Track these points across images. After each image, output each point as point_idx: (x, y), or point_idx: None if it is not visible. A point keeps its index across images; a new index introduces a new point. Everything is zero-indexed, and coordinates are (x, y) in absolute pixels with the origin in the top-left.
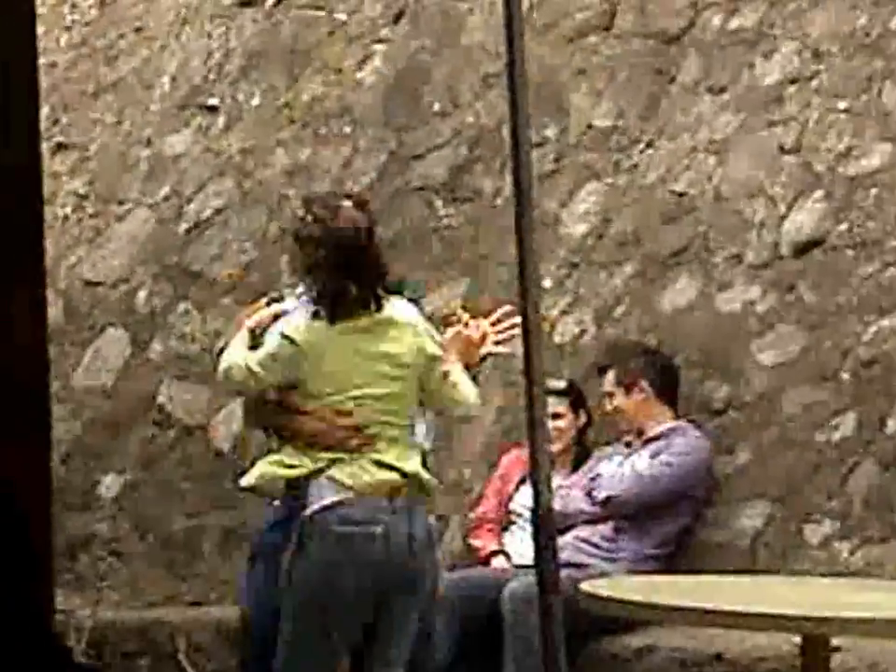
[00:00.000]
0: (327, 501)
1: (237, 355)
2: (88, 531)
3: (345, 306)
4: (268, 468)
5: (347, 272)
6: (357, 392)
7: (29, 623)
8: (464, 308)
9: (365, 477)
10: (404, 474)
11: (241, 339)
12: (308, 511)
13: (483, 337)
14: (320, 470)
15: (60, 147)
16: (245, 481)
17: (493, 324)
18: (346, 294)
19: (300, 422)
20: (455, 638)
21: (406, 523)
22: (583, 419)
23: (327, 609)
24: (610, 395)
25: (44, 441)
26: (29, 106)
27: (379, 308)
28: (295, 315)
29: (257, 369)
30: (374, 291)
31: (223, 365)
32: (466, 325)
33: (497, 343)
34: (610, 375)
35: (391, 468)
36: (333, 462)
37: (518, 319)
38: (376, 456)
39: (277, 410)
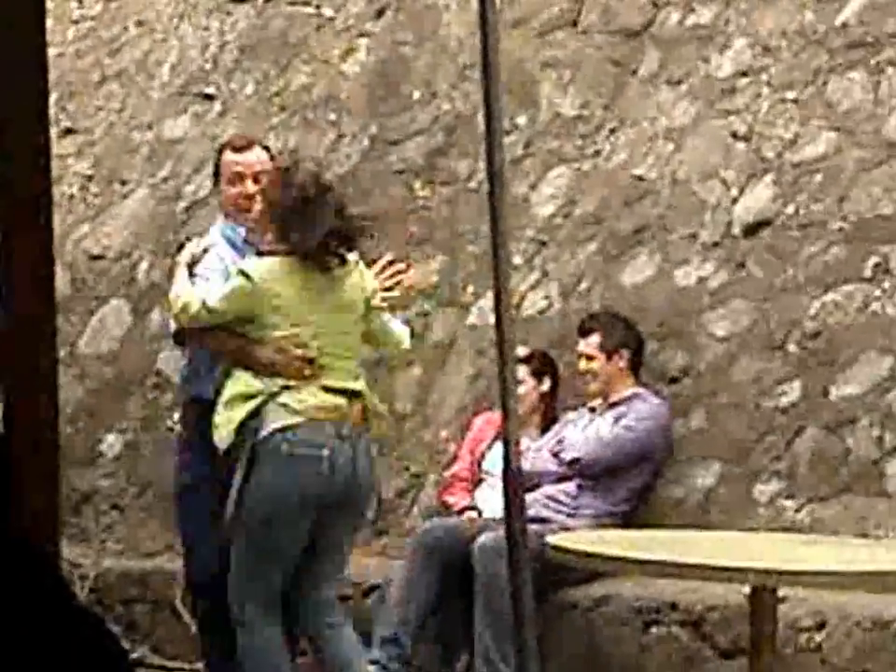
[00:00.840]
0: (277, 425)
1: (190, 291)
2: (91, 487)
3: (316, 251)
4: (234, 412)
5: (318, 221)
6: (310, 326)
7: (37, 571)
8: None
9: (312, 401)
10: (351, 394)
11: (183, 277)
12: (261, 435)
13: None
14: (273, 396)
15: (67, 131)
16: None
17: (379, 274)
18: (320, 241)
19: (257, 350)
20: (432, 586)
21: (350, 447)
22: (546, 386)
23: (275, 526)
24: (590, 357)
25: (52, 404)
26: (38, 95)
27: (342, 256)
28: (220, 248)
29: (214, 304)
30: (339, 240)
31: (179, 301)
32: None
33: (386, 289)
34: (594, 339)
35: (338, 391)
36: (285, 388)
37: (401, 267)
38: (325, 382)
39: (232, 336)
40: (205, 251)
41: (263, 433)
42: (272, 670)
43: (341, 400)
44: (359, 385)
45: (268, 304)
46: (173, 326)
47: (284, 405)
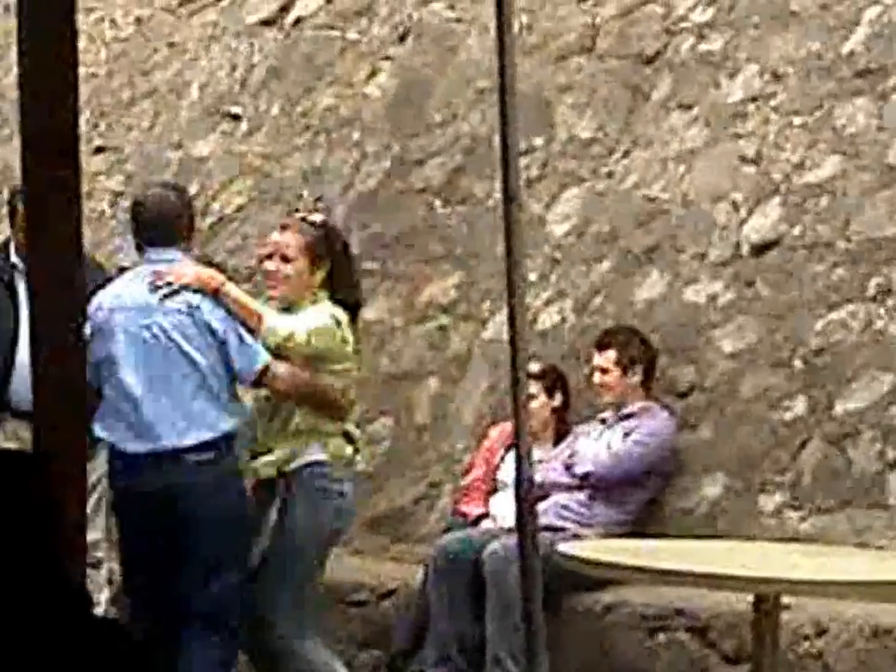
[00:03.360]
0: (309, 459)
1: (289, 320)
2: None
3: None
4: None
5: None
6: (351, 372)
7: (55, 580)
8: None
9: (345, 449)
10: (355, 446)
11: (272, 310)
12: (291, 467)
13: None
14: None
15: (99, 149)
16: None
17: None
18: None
19: (329, 390)
20: (451, 598)
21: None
22: (558, 401)
23: (312, 556)
24: (605, 371)
25: (80, 406)
26: (69, 113)
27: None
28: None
29: (313, 339)
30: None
31: (284, 330)
32: None
33: None
34: (611, 354)
35: (350, 439)
36: (323, 433)
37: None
38: (346, 428)
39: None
40: None
41: (294, 465)
42: None
43: (350, 448)
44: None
45: (342, 348)
46: (261, 362)
47: (317, 442)
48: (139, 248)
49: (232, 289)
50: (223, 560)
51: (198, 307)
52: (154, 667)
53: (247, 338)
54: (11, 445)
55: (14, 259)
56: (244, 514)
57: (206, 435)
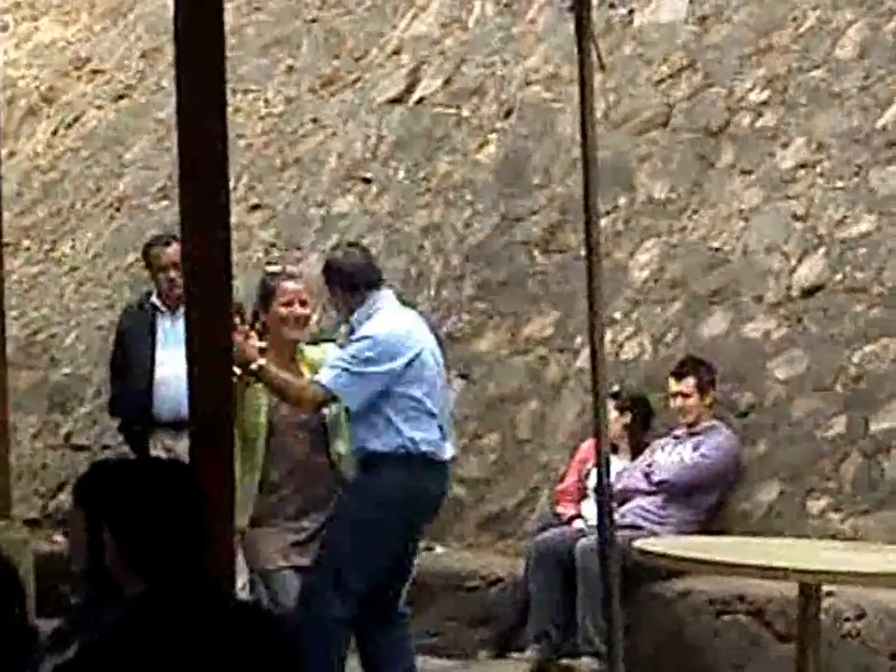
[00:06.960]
0: None
1: None
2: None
3: None
4: None
5: None
6: None
7: (206, 570)
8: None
9: None
10: None
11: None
12: None
13: None
14: None
15: (254, 206)
16: None
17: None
18: None
19: None
20: (543, 580)
21: None
22: (628, 418)
23: None
24: (686, 395)
25: (227, 423)
26: (221, 176)
27: None
28: None
29: None
30: None
31: None
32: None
33: None
34: (691, 381)
35: None
36: None
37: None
38: None
39: None
40: None
41: None
42: None
43: None
44: None
45: None
46: None
47: None
48: (354, 293)
49: None
50: None
51: None
52: (288, 642)
53: None
54: (161, 454)
55: (154, 300)
56: None
57: None
